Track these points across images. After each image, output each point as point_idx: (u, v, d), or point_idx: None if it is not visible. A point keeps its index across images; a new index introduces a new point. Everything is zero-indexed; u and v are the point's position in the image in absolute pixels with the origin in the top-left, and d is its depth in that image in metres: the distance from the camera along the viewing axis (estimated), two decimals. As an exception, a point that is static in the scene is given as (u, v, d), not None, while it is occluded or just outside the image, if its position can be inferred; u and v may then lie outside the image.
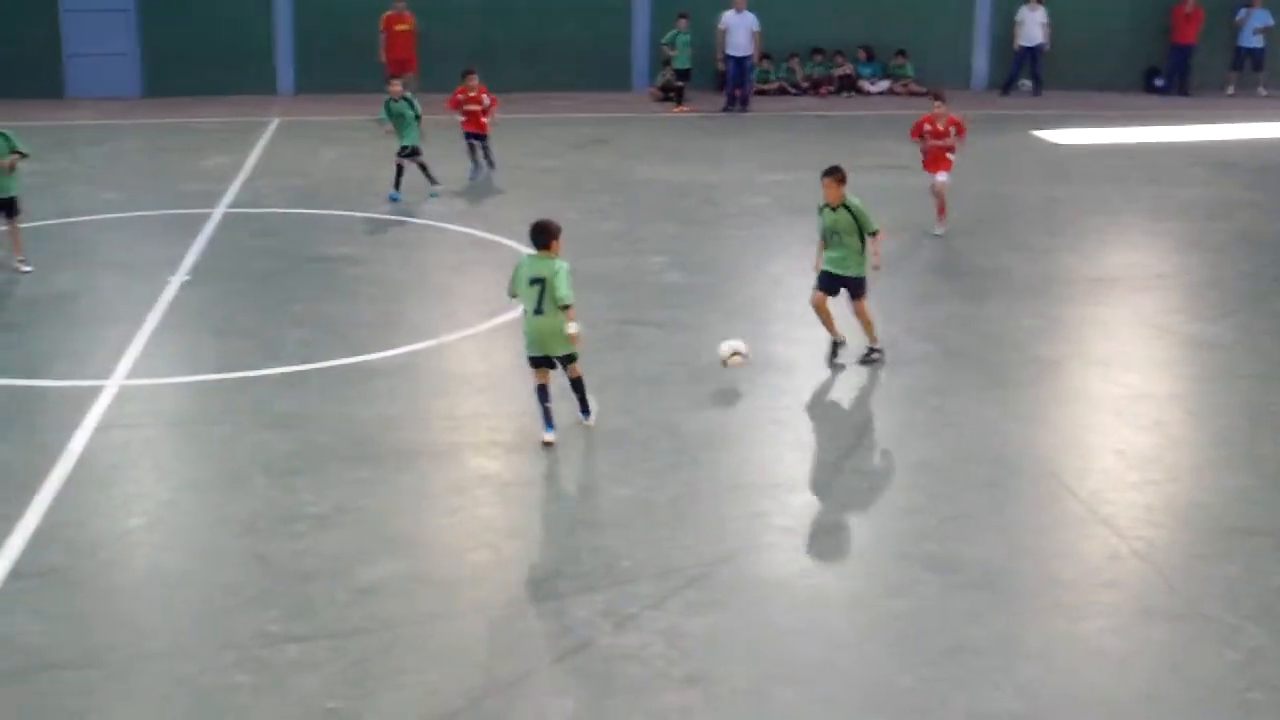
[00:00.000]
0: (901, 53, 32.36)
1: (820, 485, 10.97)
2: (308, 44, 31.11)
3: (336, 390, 12.87)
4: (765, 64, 31.81)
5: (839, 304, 13.64)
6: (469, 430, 11.95)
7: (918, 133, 18.63)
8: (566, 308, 11.13)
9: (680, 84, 29.98)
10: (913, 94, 31.17)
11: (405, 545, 9.84)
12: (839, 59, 32.32)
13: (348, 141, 25.61)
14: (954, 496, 10.71)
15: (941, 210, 18.69)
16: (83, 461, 11.19)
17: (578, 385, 11.72)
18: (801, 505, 10.58)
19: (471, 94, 21.62)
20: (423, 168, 20.79)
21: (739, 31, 29.32)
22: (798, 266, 16.95)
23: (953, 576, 9.38)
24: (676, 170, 23.23)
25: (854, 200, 13.35)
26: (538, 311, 11.21)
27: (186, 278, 16.48)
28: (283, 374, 13.31)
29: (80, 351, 14.02)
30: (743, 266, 17.17)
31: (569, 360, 11.51)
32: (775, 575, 9.44)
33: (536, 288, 11.18)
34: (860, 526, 10.31)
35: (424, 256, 17.98)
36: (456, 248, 18.34)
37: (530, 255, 11.44)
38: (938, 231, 18.66)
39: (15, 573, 9.33)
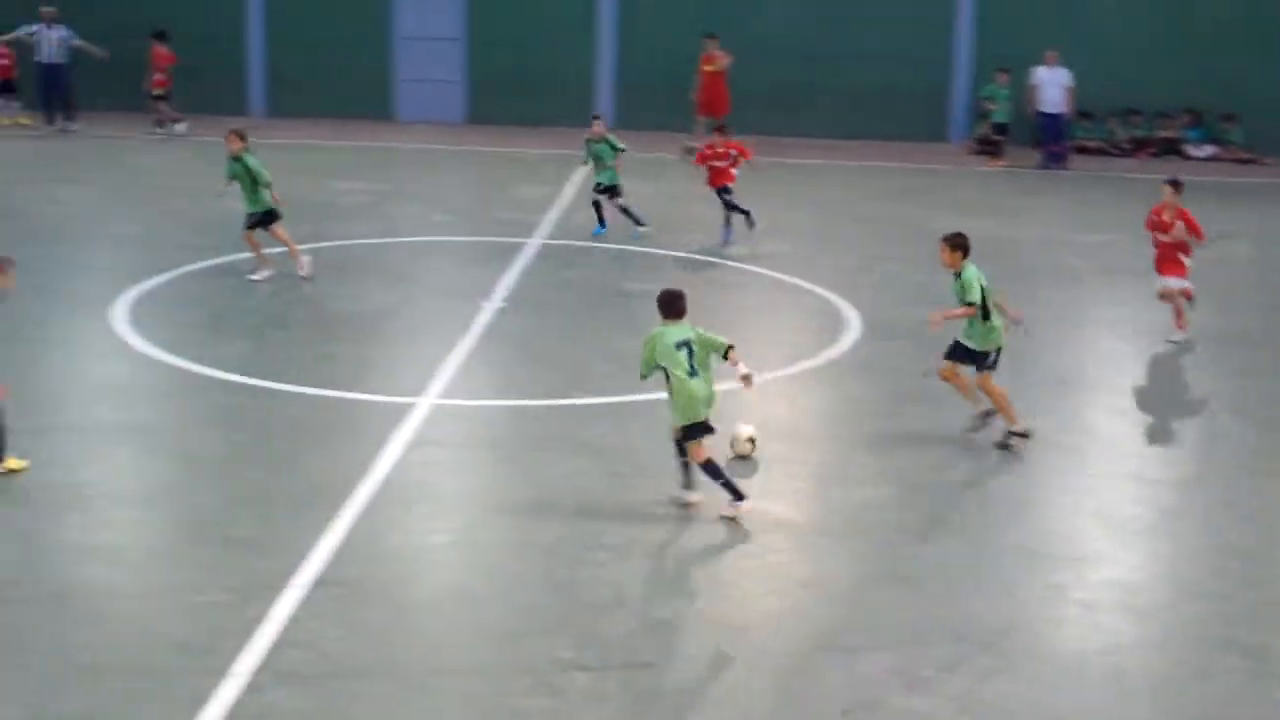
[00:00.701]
0: (1229, 117, 31.22)
1: (1121, 561, 10.62)
2: (628, 80, 31.66)
3: (640, 424, 13.02)
4: (1084, 122, 31.10)
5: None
6: (767, 474, 11.94)
7: (1150, 224, 16.35)
8: (729, 349, 10.96)
9: (998, 138, 29.53)
10: (1240, 161, 30.05)
11: (699, 585, 9.89)
12: (1163, 121, 31.38)
13: (662, 179, 25.92)
14: (1267, 582, 10.25)
15: (1179, 316, 16.17)
16: (392, 476, 11.56)
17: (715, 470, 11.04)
18: (1101, 580, 10.25)
19: (719, 149, 20.85)
20: (624, 210, 20.78)
21: (1051, 87, 28.73)
22: (1114, 332, 16.52)
23: (1264, 665, 8.97)
24: (988, 225, 22.82)
25: (970, 270, 12.56)
26: (693, 374, 10.92)
27: (503, 304, 16.90)
28: (589, 404, 13.54)
29: (395, 368, 14.52)
30: (1054, 328, 16.77)
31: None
32: (1072, 649, 9.17)
33: (684, 351, 10.92)
34: (1163, 607, 9.94)
35: (729, 298, 18.07)
36: (761, 291, 18.39)
37: (663, 326, 11.08)
38: (1174, 338, 16.10)
39: (322, 580, 9.68)
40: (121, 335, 15.26)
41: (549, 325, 16.31)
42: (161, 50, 29.04)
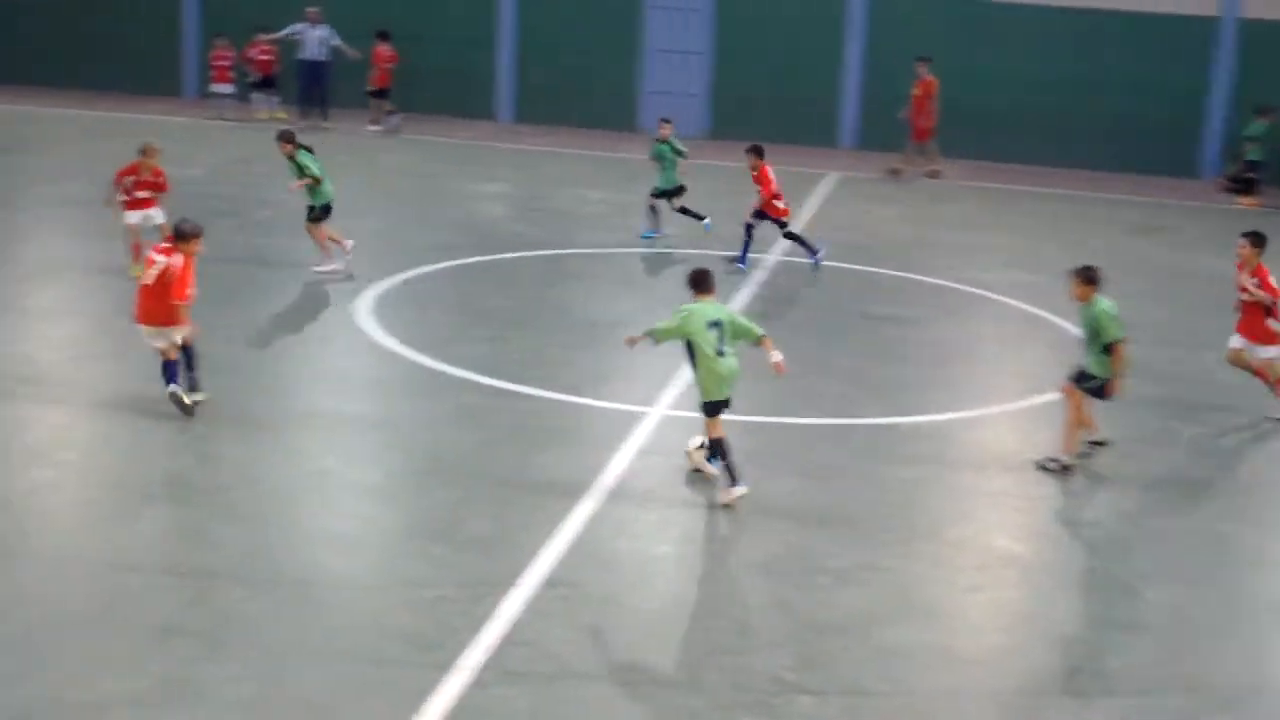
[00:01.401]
0: None
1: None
2: (870, 101, 31.44)
3: (869, 448, 12.89)
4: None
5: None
6: (996, 507, 11.73)
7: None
8: (763, 337, 11.48)
9: (1251, 175, 28.57)
10: None
11: (925, 614, 9.73)
12: None
13: (904, 202, 25.70)
14: None
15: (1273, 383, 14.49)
16: (620, 483, 11.63)
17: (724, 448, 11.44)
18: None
19: (754, 173, 19.98)
20: (684, 210, 21.03)
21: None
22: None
23: None
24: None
25: (1103, 304, 12.35)
26: (720, 353, 11.30)
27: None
28: (819, 425, 13.46)
29: (629, 377, 14.61)
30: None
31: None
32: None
33: (715, 331, 11.32)
34: None
35: (970, 324, 17.81)
36: (1003, 319, 18.07)
37: (699, 303, 11.50)
38: (1275, 415, 14.44)
39: (551, 580, 9.79)
40: (366, 330, 15.66)
41: (784, 344, 16.14)
42: (384, 50, 30.18)
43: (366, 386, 14.20)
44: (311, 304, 16.93)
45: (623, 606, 9.65)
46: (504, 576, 9.75)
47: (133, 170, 17.28)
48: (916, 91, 28.40)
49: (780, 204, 19.63)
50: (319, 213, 18.13)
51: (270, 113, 30.20)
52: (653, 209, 21.13)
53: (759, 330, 11.58)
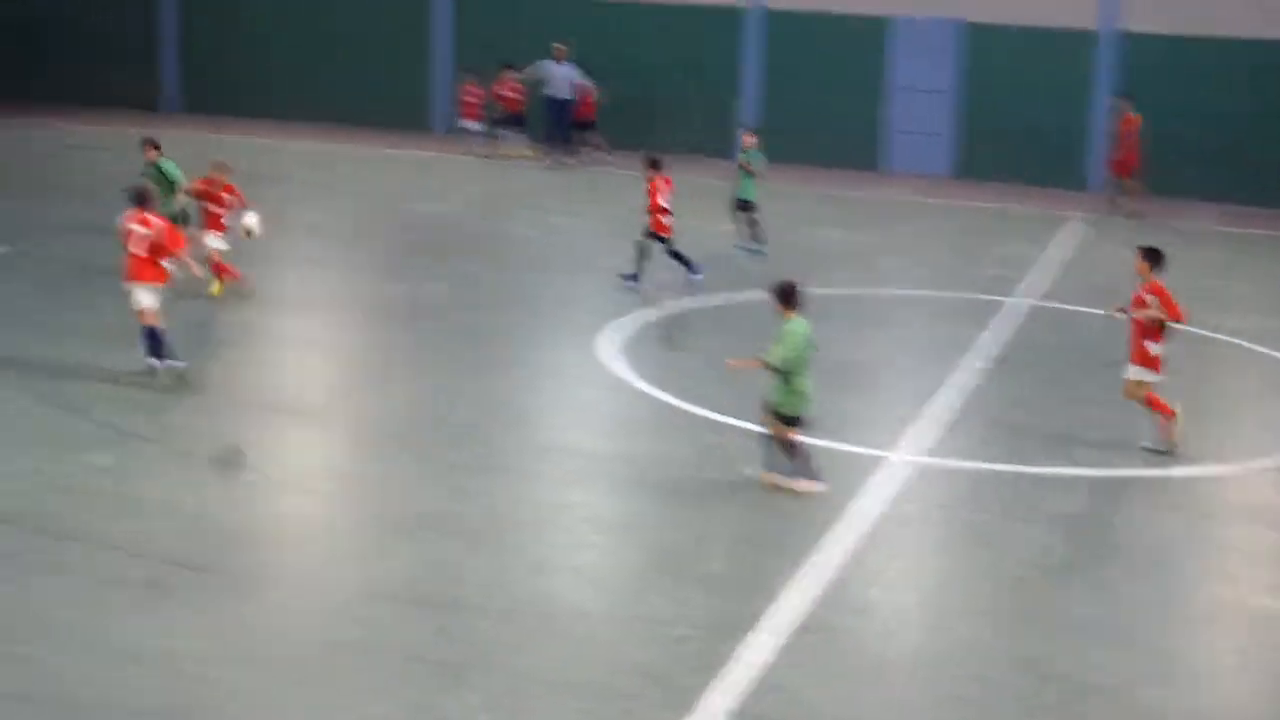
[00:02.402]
0: None
1: None
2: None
3: (1123, 500, 12.56)
4: None
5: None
6: (1261, 565, 11.30)
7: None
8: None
9: None
10: None
11: (1184, 674, 9.41)
12: None
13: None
14: None
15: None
16: (859, 530, 11.51)
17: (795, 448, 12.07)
18: None
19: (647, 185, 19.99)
20: (752, 224, 21.67)
21: None
22: None
23: None
24: None
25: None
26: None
27: (982, 364, 16.62)
28: (1062, 475, 13.13)
29: (870, 420, 14.48)
30: None
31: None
32: None
33: (811, 347, 12.03)
34: None
35: (1224, 373, 17.24)
36: (1260, 368, 17.43)
37: (798, 320, 12.06)
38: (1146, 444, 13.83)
39: (796, 626, 9.71)
40: (610, 367, 15.81)
41: (1027, 390, 15.92)
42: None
43: (609, 422, 14.34)
44: (556, 339, 17.16)
45: (868, 654, 9.54)
46: (745, 618, 9.71)
47: (207, 185, 17.95)
48: (1120, 129, 27.81)
49: (665, 219, 19.38)
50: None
51: (519, 151, 30.76)
52: (750, 222, 21.86)
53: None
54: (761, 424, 12.31)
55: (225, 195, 18.23)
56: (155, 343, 14.57)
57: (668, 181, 19.55)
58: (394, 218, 24.02)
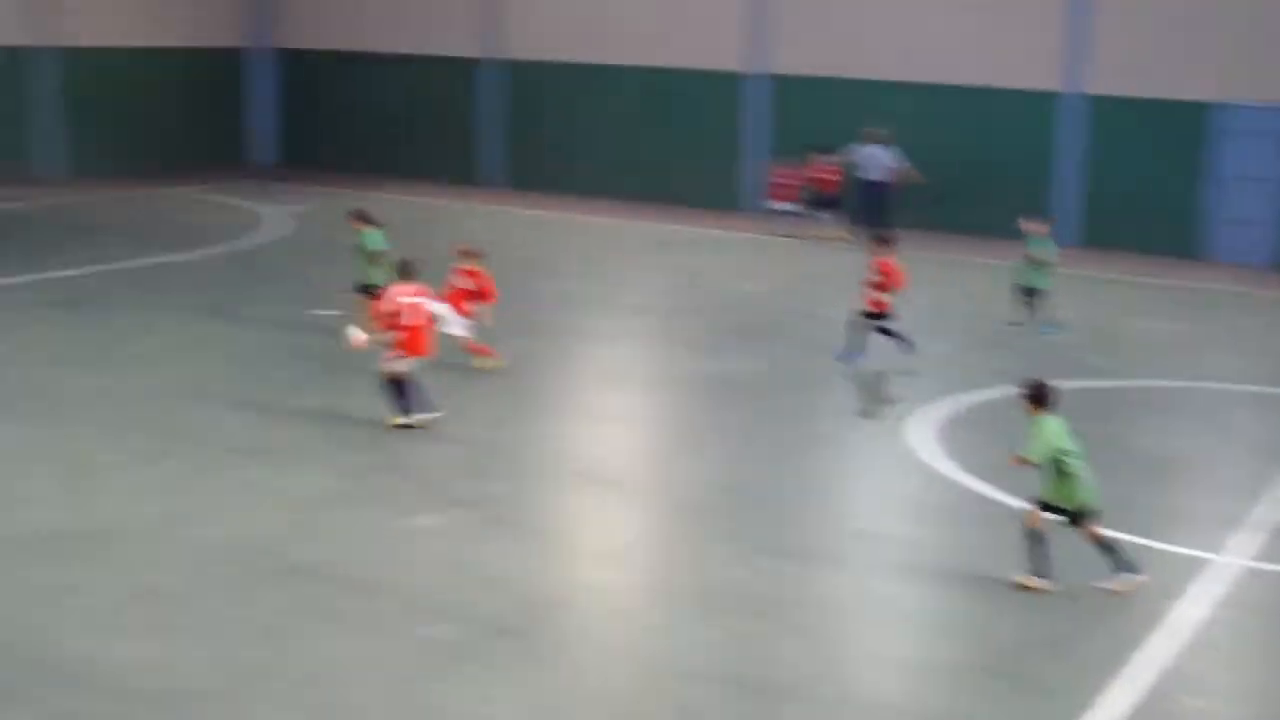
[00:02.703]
0: None
1: None
2: None
3: None
4: None
5: None
6: None
7: None
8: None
9: None
10: None
11: None
12: None
13: None
14: None
15: None
16: (1182, 636, 11.13)
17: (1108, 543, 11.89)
18: None
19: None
20: (1028, 305, 21.91)
21: None
22: None
23: None
24: None
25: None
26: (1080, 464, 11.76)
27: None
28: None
29: (1190, 518, 14.02)
30: None
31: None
32: None
33: (1071, 441, 11.76)
34: None
35: None
36: None
37: (1045, 416, 11.84)
38: None
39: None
40: (920, 450, 15.68)
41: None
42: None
43: (921, 509, 14.20)
44: (862, 422, 17.09)
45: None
46: (1064, 720, 9.52)
47: (470, 274, 18.16)
48: None
49: (881, 297, 19.56)
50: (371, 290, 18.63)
51: (834, 233, 30.79)
52: (1031, 305, 21.91)
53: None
54: (1024, 521, 12.06)
55: (471, 280, 18.26)
56: (404, 398, 15.62)
57: (892, 263, 19.73)
58: (706, 296, 24.33)
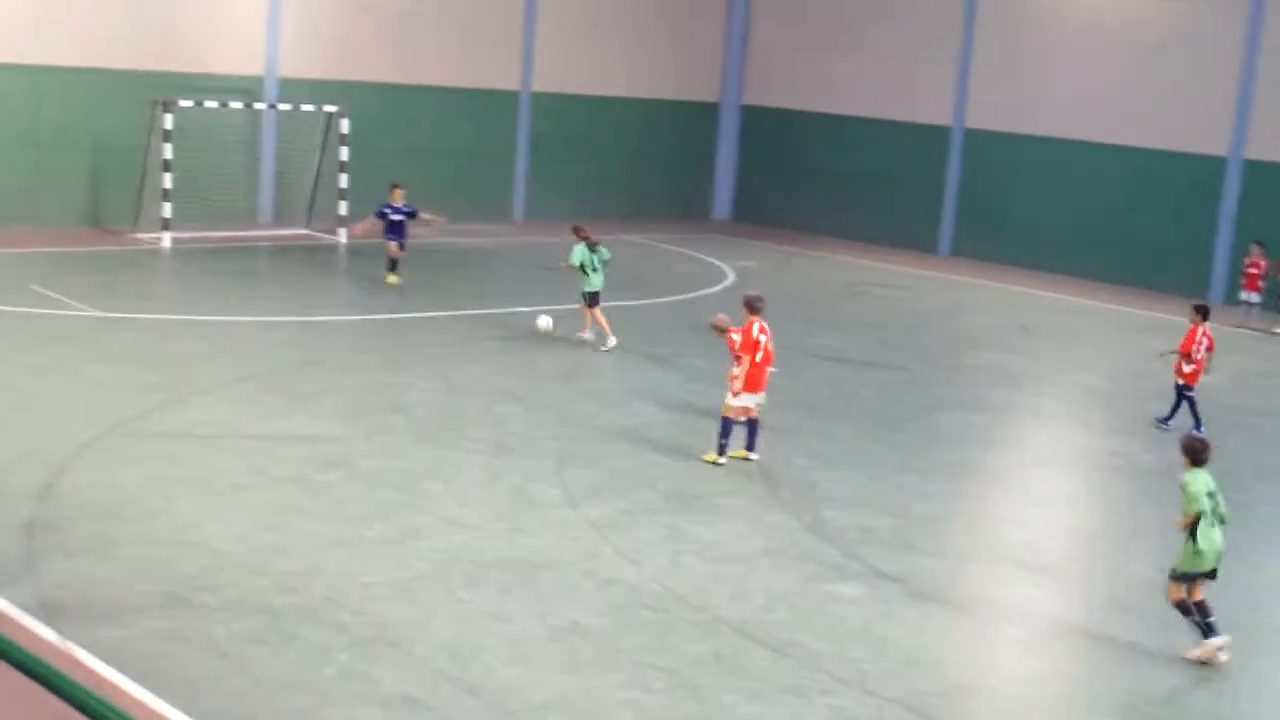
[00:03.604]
0: None
1: None
2: None
3: None
4: None
5: None
6: None
7: None
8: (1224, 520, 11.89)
9: None
10: None
11: None
12: None
13: None
14: None
15: None
16: None
17: (1206, 609, 11.79)
18: None
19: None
20: None
21: None
22: None
23: None
24: None
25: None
26: (1212, 525, 11.66)
27: None
28: None
29: None
30: None
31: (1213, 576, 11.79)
32: None
33: (1211, 500, 11.70)
34: None
35: None
36: None
37: (1194, 471, 11.79)
38: None
39: None
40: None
41: None
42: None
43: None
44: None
45: None
46: None
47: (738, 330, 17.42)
48: None
49: (1189, 368, 19.41)
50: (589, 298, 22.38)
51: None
52: None
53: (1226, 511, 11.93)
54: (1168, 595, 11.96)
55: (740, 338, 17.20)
56: (747, 435, 16.60)
57: (1206, 333, 19.60)
58: (1141, 383, 23.22)
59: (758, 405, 16.55)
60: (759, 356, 16.43)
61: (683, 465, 16.37)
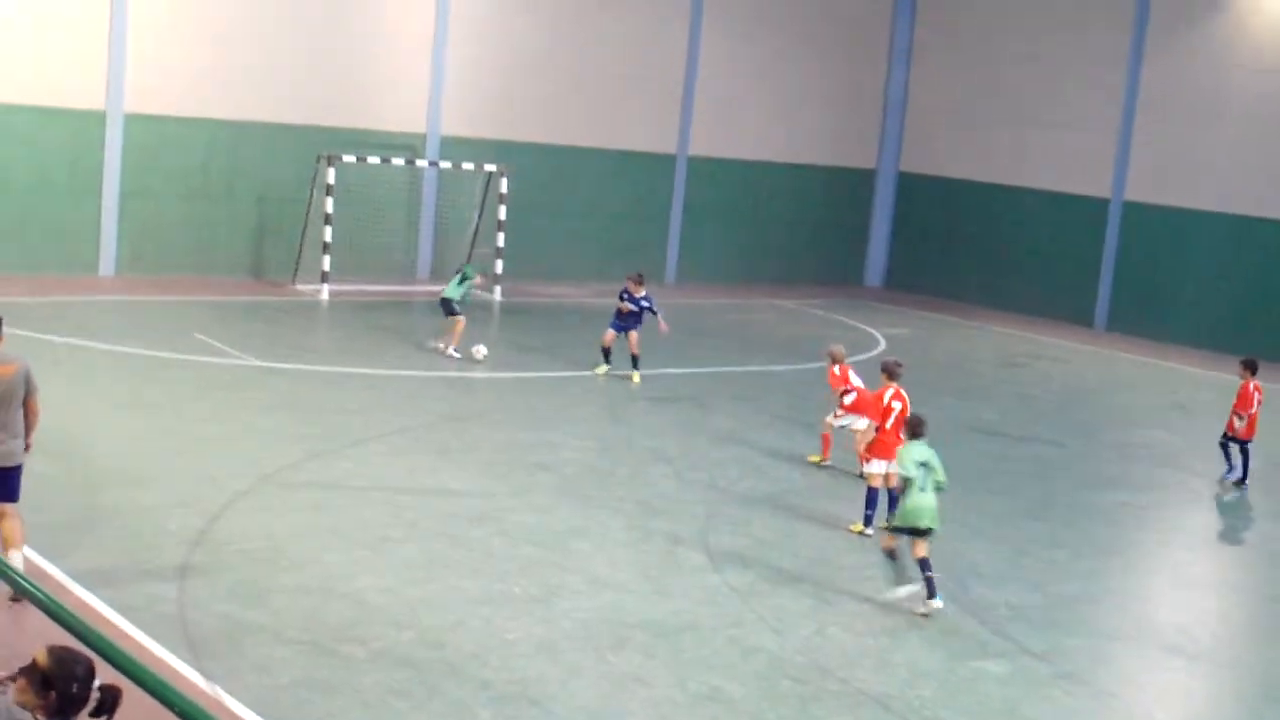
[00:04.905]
0: None
1: None
2: None
3: None
4: None
5: None
6: None
7: None
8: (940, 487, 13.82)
9: None
10: None
11: None
12: None
13: None
14: None
15: None
16: None
17: (926, 565, 13.64)
18: None
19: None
20: None
21: None
22: None
23: None
24: None
25: None
26: (922, 489, 13.61)
27: None
28: None
29: None
30: None
31: (928, 534, 13.68)
32: None
33: (921, 469, 13.62)
34: None
35: None
36: None
37: (913, 443, 13.80)
38: None
39: None
40: None
41: None
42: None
43: None
44: None
45: None
46: None
47: (844, 379, 18.54)
48: None
49: (1239, 424, 20.17)
50: None
51: None
52: None
53: (946, 482, 13.89)
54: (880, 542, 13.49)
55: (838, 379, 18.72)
56: (882, 502, 16.45)
57: (1258, 388, 20.30)
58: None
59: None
60: (889, 424, 16.38)
61: (828, 534, 16.27)
